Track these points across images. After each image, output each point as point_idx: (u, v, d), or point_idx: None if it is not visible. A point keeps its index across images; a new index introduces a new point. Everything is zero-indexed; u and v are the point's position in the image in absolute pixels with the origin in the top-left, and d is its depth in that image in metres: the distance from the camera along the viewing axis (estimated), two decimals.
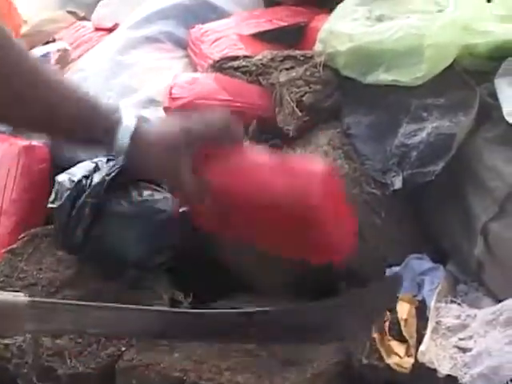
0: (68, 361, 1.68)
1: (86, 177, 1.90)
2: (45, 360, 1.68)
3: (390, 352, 1.66)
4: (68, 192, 1.88)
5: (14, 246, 1.96)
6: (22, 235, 1.98)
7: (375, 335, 1.68)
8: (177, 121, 1.19)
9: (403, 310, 1.71)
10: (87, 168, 1.94)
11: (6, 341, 1.72)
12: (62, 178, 1.92)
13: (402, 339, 1.67)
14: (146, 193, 1.88)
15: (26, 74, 1.19)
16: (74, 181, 1.89)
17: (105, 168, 1.91)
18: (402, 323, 1.68)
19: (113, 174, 1.88)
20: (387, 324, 1.69)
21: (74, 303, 1.45)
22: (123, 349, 1.70)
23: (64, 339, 1.70)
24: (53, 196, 1.91)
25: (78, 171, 1.94)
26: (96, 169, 1.93)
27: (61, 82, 1.22)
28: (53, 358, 1.69)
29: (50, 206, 1.91)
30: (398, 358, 1.65)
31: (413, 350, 1.65)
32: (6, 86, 1.16)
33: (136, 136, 1.15)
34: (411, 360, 1.63)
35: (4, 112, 1.19)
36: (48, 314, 1.30)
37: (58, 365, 1.68)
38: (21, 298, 1.23)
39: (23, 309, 1.21)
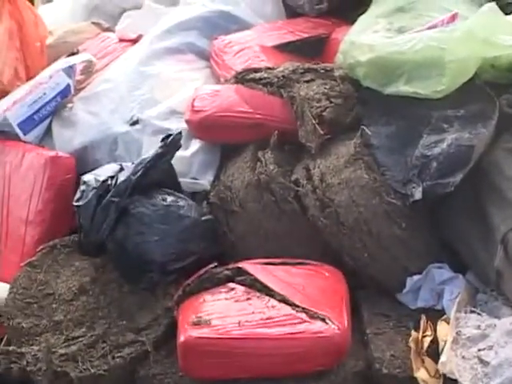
0: (80, 364, 1.72)
1: (112, 177, 1.94)
2: (58, 366, 1.72)
3: (421, 366, 1.67)
4: (94, 191, 1.92)
5: (33, 258, 1.98)
6: (41, 247, 2.01)
7: (412, 345, 1.69)
8: None
9: (443, 331, 1.71)
10: (113, 169, 1.98)
11: (22, 349, 1.77)
12: (88, 177, 1.97)
13: (435, 359, 1.67)
14: (169, 198, 1.92)
15: None
16: (99, 180, 1.93)
17: (130, 169, 1.94)
18: (442, 344, 1.68)
19: (138, 173, 1.91)
20: (427, 340, 1.70)
21: None
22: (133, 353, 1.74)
23: (77, 345, 1.75)
24: (78, 195, 1.95)
25: (103, 172, 1.98)
26: (121, 170, 1.97)
27: None
28: (65, 363, 1.73)
29: (74, 204, 1.95)
30: (428, 375, 1.65)
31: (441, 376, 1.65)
32: None
33: None
34: (439, 382, 1.64)
35: None
36: None
37: (70, 369, 1.72)
38: None
39: None
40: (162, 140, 1.95)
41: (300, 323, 1.66)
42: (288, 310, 1.68)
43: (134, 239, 1.85)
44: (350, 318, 1.75)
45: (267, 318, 1.67)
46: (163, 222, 1.87)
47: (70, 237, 2.02)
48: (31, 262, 1.97)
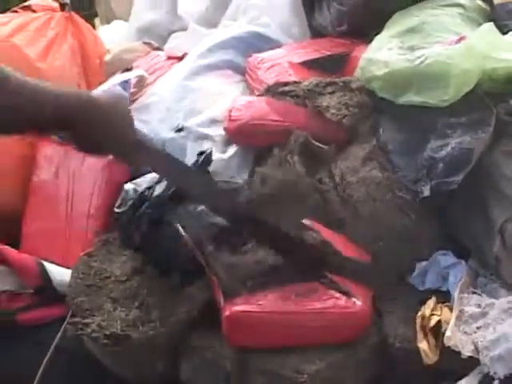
0: (140, 328, 1.76)
1: (149, 188, 1.96)
2: (121, 330, 1.76)
3: (424, 339, 1.70)
4: (131, 201, 1.95)
5: (90, 249, 2.03)
6: (96, 240, 2.06)
7: (418, 319, 1.72)
8: None
9: (447, 315, 1.73)
10: (151, 180, 2.00)
11: (87, 320, 1.81)
12: (128, 187, 2.00)
13: (437, 336, 1.70)
14: (199, 208, 1.92)
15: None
16: (137, 191, 1.96)
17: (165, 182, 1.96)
18: (444, 326, 1.70)
19: (172, 189, 1.92)
20: (435, 318, 1.72)
21: None
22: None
23: (135, 313, 1.79)
24: (119, 202, 1.99)
25: (142, 182, 2.00)
26: (158, 181, 1.97)
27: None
28: (127, 328, 1.77)
29: (115, 210, 1.98)
30: (428, 346, 1.68)
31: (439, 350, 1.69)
32: None
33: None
34: (435, 358, 1.67)
35: None
36: None
37: (131, 332, 1.76)
38: None
39: None
40: (198, 155, 1.98)
41: (329, 299, 1.71)
42: (321, 286, 1.74)
43: (164, 245, 1.87)
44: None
45: (300, 294, 1.73)
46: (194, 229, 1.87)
47: None
48: (88, 252, 2.03)
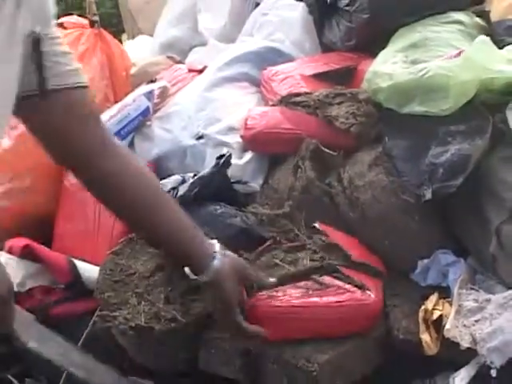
0: (162, 321, 1.77)
1: (174, 188, 1.98)
2: (145, 322, 1.78)
3: (426, 331, 1.71)
4: None
5: (116, 248, 2.04)
6: (122, 239, 2.07)
7: (421, 313, 1.73)
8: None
9: (448, 310, 1.75)
10: (176, 181, 2.02)
11: (114, 313, 1.83)
12: None
13: (438, 329, 1.72)
14: (219, 210, 1.95)
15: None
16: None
17: (190, 182, 1.98)
18: (445, 320, 1.71)
19: (194, 190, 1.94)
20: (437, 313, 1.73)
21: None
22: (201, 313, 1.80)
23: (158, 308, 1.80)
24: None
25: (168, 183, 2.02)
26: (183, 182, 2.01)
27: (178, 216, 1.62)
28: (151, 321, 1.78)
29: None
30: (430, 338, 1.70)
31: (439, 341, 1.71)
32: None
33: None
34: (436, 349, 1.69)
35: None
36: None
37: (154, 324, 1.77)
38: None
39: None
40: (218, 158, 2.01)
41: (345, 292, 1.72)
42: (336, 281, 1.76)
43: None
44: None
45: (317, 289, 1.74)
46: (211, 228, 1.87)
47: None
48: (114, 250, 2.05)
